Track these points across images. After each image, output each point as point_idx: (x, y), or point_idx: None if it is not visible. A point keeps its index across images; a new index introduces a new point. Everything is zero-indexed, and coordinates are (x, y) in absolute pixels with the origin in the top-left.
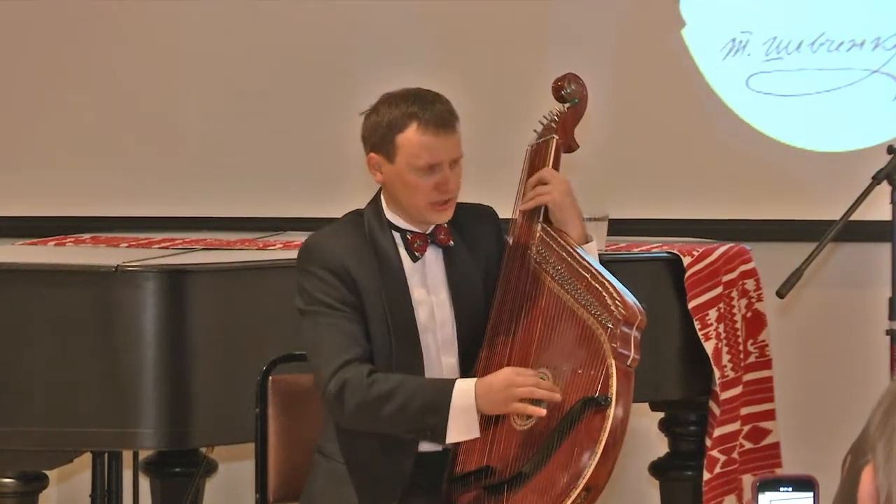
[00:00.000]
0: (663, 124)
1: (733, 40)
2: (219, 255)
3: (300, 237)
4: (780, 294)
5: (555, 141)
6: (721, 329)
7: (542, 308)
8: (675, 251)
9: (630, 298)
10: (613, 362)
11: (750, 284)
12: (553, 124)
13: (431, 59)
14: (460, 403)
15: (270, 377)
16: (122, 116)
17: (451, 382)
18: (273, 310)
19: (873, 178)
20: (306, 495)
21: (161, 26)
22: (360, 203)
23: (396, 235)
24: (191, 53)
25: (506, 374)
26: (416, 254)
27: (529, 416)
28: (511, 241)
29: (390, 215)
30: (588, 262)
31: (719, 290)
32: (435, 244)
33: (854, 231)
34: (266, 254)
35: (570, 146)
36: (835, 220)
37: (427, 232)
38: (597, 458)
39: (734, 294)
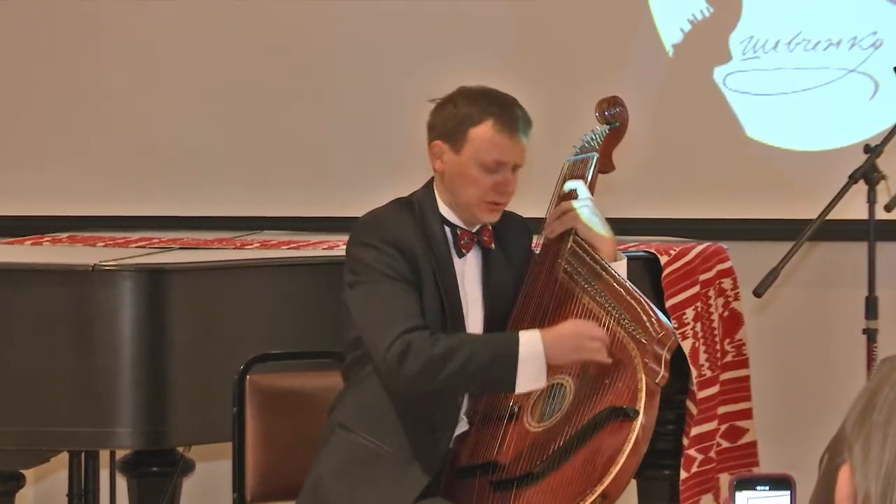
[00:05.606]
0: (639, 125)
1: None
2: (196, 254)
3: (277, 236)
4: (758, 293)
5: (595, 159)
6: (698, 328)
7: (567, 315)
8: (652, 250)
9: (664, 318)
10: (644, 377)
11: (727, 283)
12: (594, 143)
13: (419, 58)
14: (528, 352)
15: (248, 377)
16: (99, 115)
17: (516, 334)
18: (251, 309)
19: (850, 177)
20: (324, 468)
21: (137, 25)
22: (341, 202)
23: (447, 229)
24: (168, 52)
25: (573, 323)
26: (463, 250)
27: (545, 419)
28: (540, 249)
29: (443, 209)
30: (621, 278)
31: (696, 289)
32: (478, 244)
33: (831, 230)
34: (243, 253)
35: (605, 166)
36: (812, 219)
37: (474, 230)
38: (618, 467)
39: (711, 293)
